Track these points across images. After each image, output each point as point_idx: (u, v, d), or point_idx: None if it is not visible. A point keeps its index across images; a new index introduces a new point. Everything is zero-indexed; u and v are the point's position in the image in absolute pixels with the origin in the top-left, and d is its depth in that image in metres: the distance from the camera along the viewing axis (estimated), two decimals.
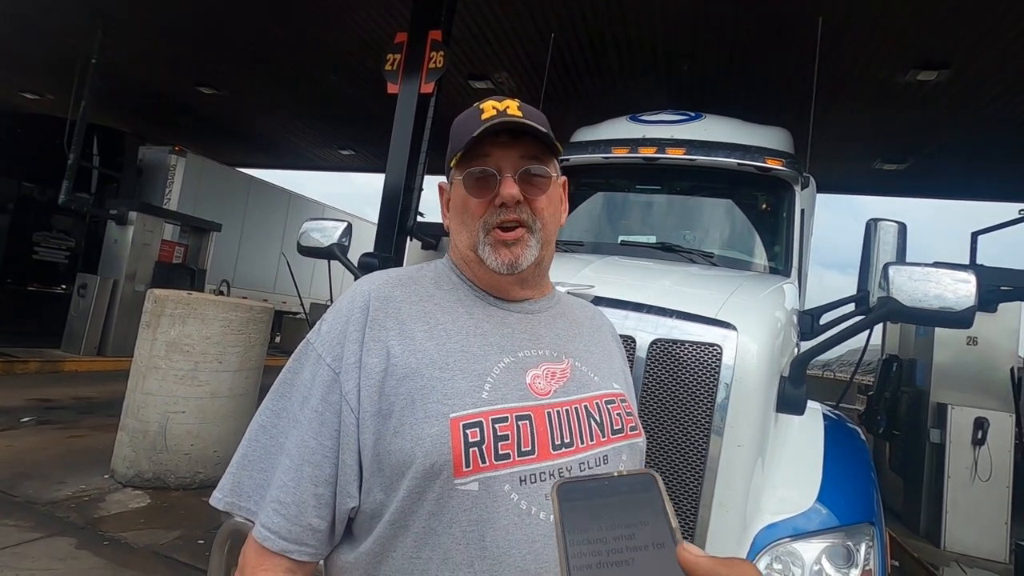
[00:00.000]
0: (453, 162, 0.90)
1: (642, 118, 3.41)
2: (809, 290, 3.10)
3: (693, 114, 3.34)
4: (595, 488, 0.56)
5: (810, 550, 1.53)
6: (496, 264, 0.87)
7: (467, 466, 0.75)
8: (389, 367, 0.81)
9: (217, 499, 0.84)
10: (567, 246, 2.81)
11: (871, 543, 1.55)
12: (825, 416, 2.06)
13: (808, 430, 1.93)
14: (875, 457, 5.98)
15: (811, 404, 1.98)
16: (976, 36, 6.10)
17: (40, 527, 3.45)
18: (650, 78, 8.02)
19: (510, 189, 0.86)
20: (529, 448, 0.79)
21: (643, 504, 0.55)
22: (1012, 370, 5.11)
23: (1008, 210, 8.08)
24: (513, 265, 0.87)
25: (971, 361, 5.28)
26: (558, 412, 0.84)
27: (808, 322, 2.31)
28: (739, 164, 2.89)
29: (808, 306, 2.52)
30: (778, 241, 2.91)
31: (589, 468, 0.82)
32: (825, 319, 2.31)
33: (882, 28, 6.16)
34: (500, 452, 0.77)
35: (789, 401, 1.80)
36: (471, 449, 0.76)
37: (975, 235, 7.73)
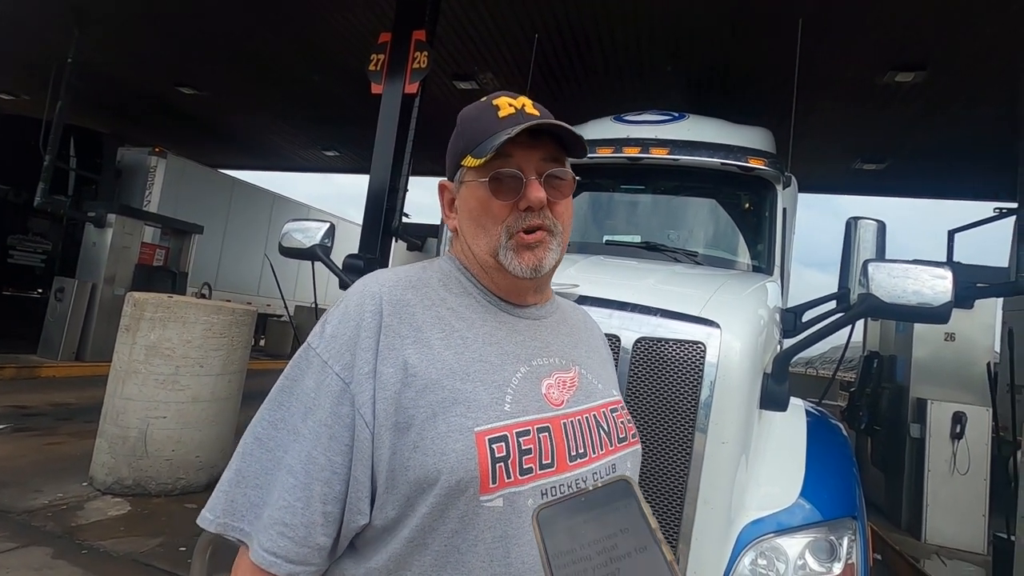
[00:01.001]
0: (470, 161, 0.84)
1: (626, 118, 3.42)
2: (791, 288, 3.14)
3: (677, 114, 3.36)
4: (574, 506, 0.57)
5: (794, 545, 1.55)
6: (520, 269, 0.83)
7: (494, 482, 0.73)
8: (407, 377, 0.76)
9: (208, 520, 0.77)
10: None
11: (853, 537, 1.57)
12: (808, 412, 2.08)
13: (791, 426, 1.95)
14: (857, 452, 6.10)
15: (794, 400, 2.00)
16: (952, 38, 6.23)
17: (16, 536, 3.37)
18: (634, 78, 8.07)
19: (538, 193, 0.82)
20: (549, 461, 0.78)
21: (621, 512, 0.56)
22: (988, 365, 5.21)
23: (984, 208, 8.25)
24: (537, 269, 0.84)
25: (949, 357, 5.39)
26: (572, 422, 0.82)
27: (790, 319, 2.34)
28: (722, 164, 2.92)
29: (790, 304, 2.55)
30: (761, 240, 2.94)
31: (601, 478, 0.81)
32: (807, 316, 2.34)
33: (860, 30, 6.26)
34: (524, 466, 0.75)
35: (772, 398, 1.82)
36: (497, 464, 0.73)
37: (952, 233, 7.92)
